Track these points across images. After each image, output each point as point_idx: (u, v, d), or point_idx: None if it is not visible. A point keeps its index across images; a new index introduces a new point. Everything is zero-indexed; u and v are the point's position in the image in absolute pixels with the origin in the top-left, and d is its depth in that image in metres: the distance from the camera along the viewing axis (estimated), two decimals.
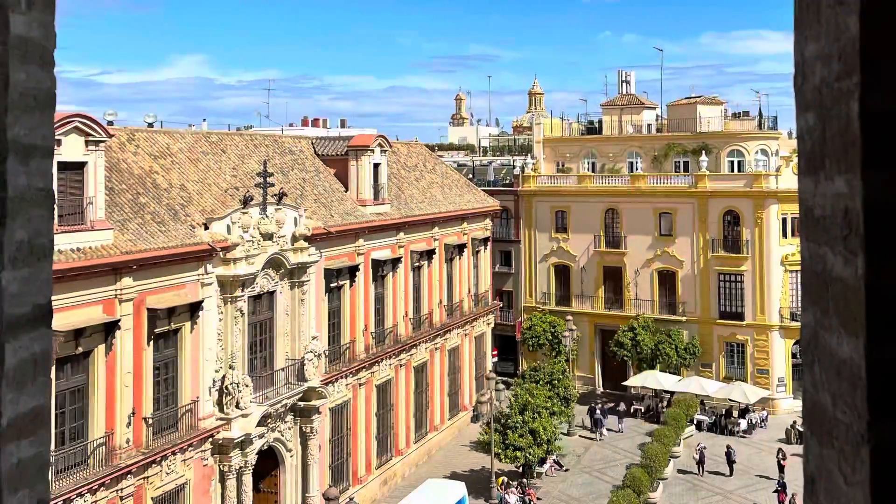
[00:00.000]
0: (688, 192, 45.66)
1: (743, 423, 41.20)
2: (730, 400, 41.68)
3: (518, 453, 33.48)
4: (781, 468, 34.23)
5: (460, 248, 41.88)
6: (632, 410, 43.79)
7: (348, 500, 31.33)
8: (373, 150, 35.50)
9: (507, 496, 32.11)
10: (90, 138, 22.02)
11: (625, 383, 45.24)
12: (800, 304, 0.97)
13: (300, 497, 29.51)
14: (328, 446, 31.57)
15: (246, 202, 26.90)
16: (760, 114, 50.84)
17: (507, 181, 53.13)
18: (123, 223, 23.32)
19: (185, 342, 24.74)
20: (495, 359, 47.48)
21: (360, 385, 33.67)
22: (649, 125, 53.73)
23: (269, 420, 27.46)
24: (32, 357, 1.25)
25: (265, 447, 27.69)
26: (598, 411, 41.30)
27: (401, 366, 36.55)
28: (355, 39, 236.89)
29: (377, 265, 34.63)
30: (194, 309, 24.61)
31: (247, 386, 26.09)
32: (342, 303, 32.67)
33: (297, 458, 29.40)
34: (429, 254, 38.50)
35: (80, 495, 20.83)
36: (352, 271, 32.58)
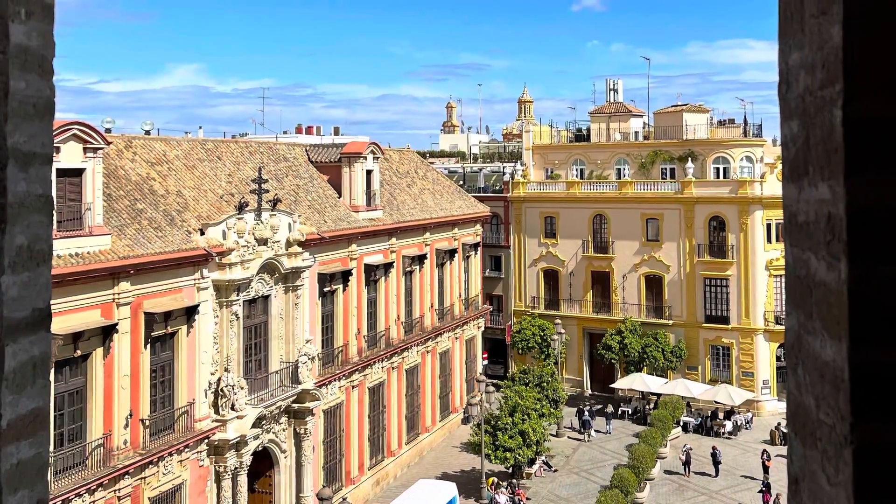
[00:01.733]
0: (674, 199, 46.33)
1: (728, 425, 41.76)
2: (715, 402, 42.23)
3: (508, 454, 33.95)
4: (766, 469, 34.77)
5: (451, 253, 42.37)
6: (619, 412, 44.33)
7: (341, 500, 31.74)
8: (365, 157, 35.98)
9: (497, 496, 32.55)
10: (88, 145, 22.32)
11: (612, 385, 45.80)
12: (784, 308, 1.25)
13: (294, 497, 29.89)
14: (322, 447, 31.95)
15: (241, 208, 27.25)
16: (745, 121, 51.47)
17: (497, 187, 53.77)
18: (121, 229, 23.66)
19: (181, 345, 25.09)
20: (485, 361, 47.98)
21: (353, 387, 34.10)
22: (636, 132, 54.36)
23: (264, 422, 27.84)
24: (32, 360, 1.26)
25: (260, 448, 28.05)
26: (586, 413, 41.82)
27: (393, 368, 37.00)
28: (348, 49, 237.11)
29: (370, 270, 35.10)
30: (190, 313, 24.92)
31: (242, 388, 26.45)
32: (335, 307, 33.12)
33: (291, 459, 29.79)
34: (420, 259, 38.98)
35: (79, 495, 21.08)
36: (345, 276, 33.05)
